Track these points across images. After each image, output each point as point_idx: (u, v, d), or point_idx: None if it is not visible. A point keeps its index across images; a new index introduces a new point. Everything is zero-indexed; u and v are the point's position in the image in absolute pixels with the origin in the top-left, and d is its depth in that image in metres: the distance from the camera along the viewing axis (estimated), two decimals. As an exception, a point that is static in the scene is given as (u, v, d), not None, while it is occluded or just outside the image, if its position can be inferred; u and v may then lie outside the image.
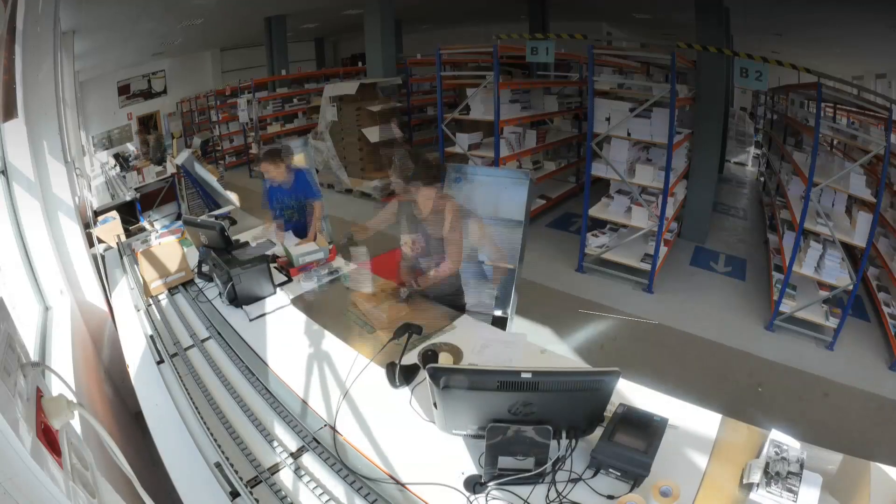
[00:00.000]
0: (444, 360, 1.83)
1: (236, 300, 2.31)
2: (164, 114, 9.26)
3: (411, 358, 1.82)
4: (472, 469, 1.40)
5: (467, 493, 1.32)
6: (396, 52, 8.57)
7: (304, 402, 1.69)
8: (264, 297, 2.37)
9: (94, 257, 2.88)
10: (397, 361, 1.74)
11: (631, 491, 1.29)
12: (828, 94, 4.01)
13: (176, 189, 5.36)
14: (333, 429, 1.56)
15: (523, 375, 1.27)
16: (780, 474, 1.25)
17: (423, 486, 1.35)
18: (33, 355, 1.90)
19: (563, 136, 6.91)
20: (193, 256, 2.77)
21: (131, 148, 8.32)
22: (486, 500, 1.30)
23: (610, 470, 1.33)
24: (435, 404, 1.36)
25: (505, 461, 1.32)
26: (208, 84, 9.82)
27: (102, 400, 2.24)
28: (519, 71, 7.74)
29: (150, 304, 2.41)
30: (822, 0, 4.48)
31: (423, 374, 1.78)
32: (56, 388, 1.19)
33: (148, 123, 8.82)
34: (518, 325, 3.83)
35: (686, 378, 3.45)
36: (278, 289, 2.45)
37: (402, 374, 1.73)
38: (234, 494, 1.32)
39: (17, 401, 0.88)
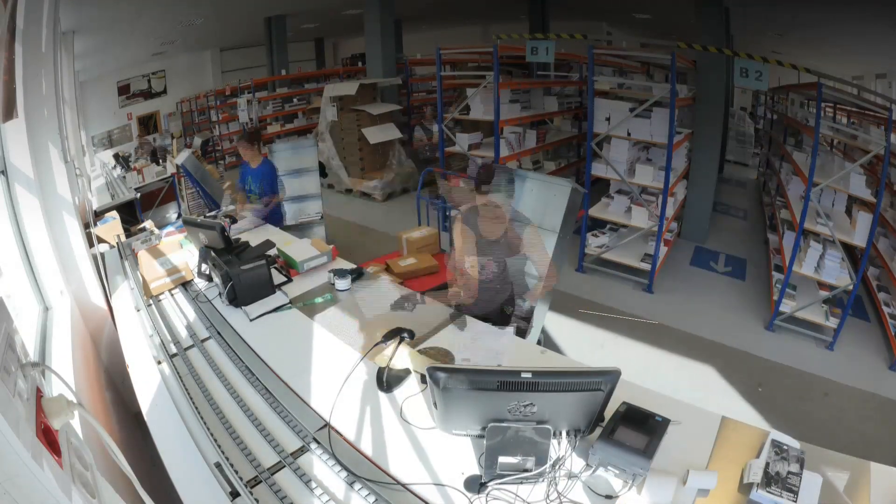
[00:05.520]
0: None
1: (236, 300, 2.31)
2: (164, 114, 9.25)
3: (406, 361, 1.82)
4: (472, 469, 1.40)
5: (467, 493, 1.32)
6: (396, 52, 8.57)
7: (304, 402, 1.69)
8: (264, 298, 2.37)
9: (94, 257, 2.87)
10: (386, 366, 1.74)
11: (629, 490, 1.29)
12: (828, 94, 4.01)
13: (176, 189, 5.36)
14: (334, 429, 1.56)
15: (523, 375, 1.27)
16: (780, 474, 1.25)
17: (424, 486, 1.35)
18: (33, 355, 1.90)
19: (563, 136, 6.91)
20: (194, 256, 2.77)
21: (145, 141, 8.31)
22: (487, 500, 1.30)
23: (609, 468, 1.33)
24: (435, 404, 1.36)
25: (505, 461, 1.32)
26: (208, 84, 9.82)
27: (102, 400, 2.24)
28: (519, 71, 7.73)
29: (150, 304, 2.41)
30: (823, 0, 4.48)
31: (415, 378, 1.78)
32: (56, 388, 1.19)
33: (148, 123, 8.82)
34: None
35: (686, 378, 3.46)
36: (278, 289, 2.45)
37: (389, 380, 1.73)
38: (234, 494, 1.32)
39: (17, 401, 0.88)
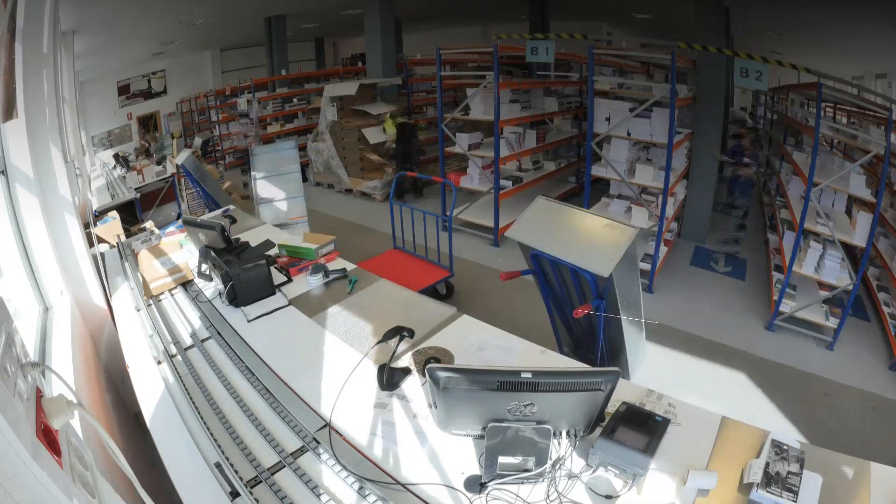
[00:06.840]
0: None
1: (236, 300, 2.31)
2: (164, 114, 9.26)
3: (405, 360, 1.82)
4: (472, 469, 1.40)
5: (468, 493, 1.32)
6: (396, 52, 8.58)
7: (304, 402, 1.69)
8: (264, 298, 2.37)
9: (94, 257, 2.87)
10: (387, 364, 1.74)
11: (629, 490, 1.29)
12: (828, 94, 4.01)
13: (176, 189, 5.34)
14: (334, 429, 1.56)
15: (523, 375, 1.26)
16: (780, 474, 1.25)
17: (423, 486, 1.35)
18: (33, 355, 1.90)
19: (563, 136, 6.92)
20: (194, 256, 2.77)
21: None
22: (487, 500, 1.30)
23: (609, 468, 1.33)
24: (434, 404, 1.36)
25: (505, 461, 1.32)
26: (208, 84, 9.83)
27: (102, 400, 2.23)
28: (519, 71, 7.74)
29: (150, 304, 2.41)
30: (823, 0, 4.48)
31: (415, 378, 1.78)
32: (56, 388, 1.19)
33: (148, 123, 8.83)
34: (517, 326, 3.84)
35: (686, 378, 3.46)
36: (278, 289, 2.45)
37: (391, 378, 1.73)
38: (234, 494, 1.32)
39: (17, 401, 0.88)
